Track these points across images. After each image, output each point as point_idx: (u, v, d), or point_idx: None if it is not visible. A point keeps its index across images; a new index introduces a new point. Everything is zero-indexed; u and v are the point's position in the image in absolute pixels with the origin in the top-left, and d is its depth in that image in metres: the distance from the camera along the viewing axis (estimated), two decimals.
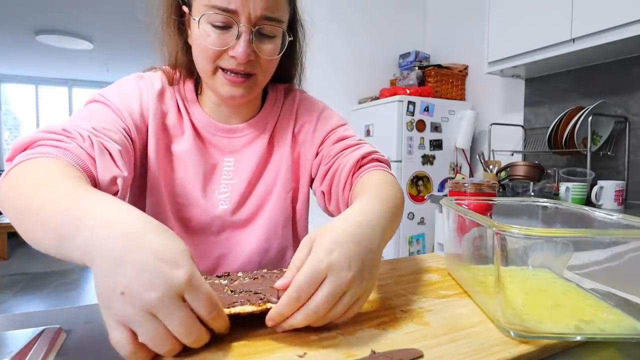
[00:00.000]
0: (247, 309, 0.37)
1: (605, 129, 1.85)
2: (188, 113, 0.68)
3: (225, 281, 0.49)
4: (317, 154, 0.74)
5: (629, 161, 1.83)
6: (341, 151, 0.71)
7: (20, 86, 6.76)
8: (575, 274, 0.49)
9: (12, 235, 4.08)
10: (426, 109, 2.38)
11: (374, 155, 0.69)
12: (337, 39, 2.67)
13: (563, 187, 1.69)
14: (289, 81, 0.77)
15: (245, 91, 0.62)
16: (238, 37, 0.57)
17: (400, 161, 2.33)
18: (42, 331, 0.41)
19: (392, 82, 2.82)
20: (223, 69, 0.60)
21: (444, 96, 2.56)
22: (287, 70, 0.74)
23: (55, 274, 3.29)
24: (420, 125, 2.38)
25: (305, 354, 0.35)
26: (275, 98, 0.75)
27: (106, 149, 0.52)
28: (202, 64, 0.62)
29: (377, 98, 2.57)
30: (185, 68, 0.67)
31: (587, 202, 1.66)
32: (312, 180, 0.76)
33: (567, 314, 0.42)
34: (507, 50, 1.99)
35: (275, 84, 0.75)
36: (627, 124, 1.81)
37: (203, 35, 0.58)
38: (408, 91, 2.37)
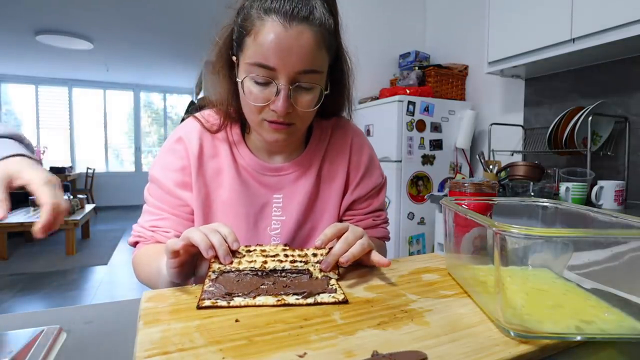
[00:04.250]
0: (269, 301, 0.46)
1: (605, 129, 1.85)
2: (234, 157, 0.74)
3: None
4: (350, 206, 0.80)
5: (629, 161, 1.83)
6: (366, 228, 0.79)
7: (20, 86, 6.76)
8: (575, 274, 0.49)
9: (12, 235, 4.08)
10: (426, 109, 2.38)
11: (385, 239, 0.84)
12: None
13: (563, 187, 1.69)
14: (336, 114, 0.80)
15: (287, 136, 0.67)
16: (277, 93, 0.61)
17: (400, 161, 2.33)
18: (42, 331, 0.41)
19: (392, 82, 2.82)
20: (267, 120, 0.65)
21: (444, 96, 2.56)
22: (335, 105, 0.77)
23: (55, 274, 3.29)
24: (420, 125, 2.38)
25: (305, 353, 0.35)
26: (321, 136, 0.79)
27: (166, 237, 0.70)
28: (248, 116, 0.68)
29: (377, 98, 2.56)
30: (235, 111, 0.73)
31: (587, 202, 1.66)
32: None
33: (567, 314, 0.42)
34: (507, 50, 1.99)
35: (321, 120, 0.79)
36: (627, 124, 1.81)
37: (247, 93, 0.63)
38: (408, 91, 2.37)
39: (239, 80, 0.64)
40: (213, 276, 0.51)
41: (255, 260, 0.54)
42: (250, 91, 0.62)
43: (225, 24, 0.67)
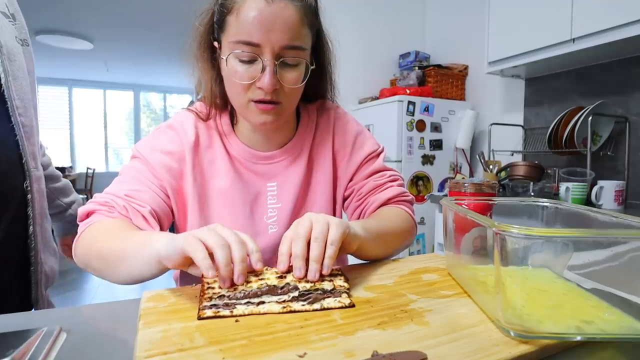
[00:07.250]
0: (274, 308, 0.44)
1: (605, 129, 1.85)
2: (226, 148, 0.73)
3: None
4: (351, 179, 0.80)
5: (629, 161, 1.83)
6: (371, 191, 0.78)
7: None
8: (576, 274, 0.49)
9: None
10: (426, 109, 2.38)
11: (399, 198, 0.78)
12: (337, 39, 2.67)
13: (563, 187, 1.69)
14: (321, 98, 0.80)
15: (275, 117, 0.66)
16: (263, 69, 0.61)
17: (400, 161, 2.33)
18: (42, 331, 0.41)
19: (392, 82, 2.82)
20: (254, 101, 0.64)
21: (444, 96, 2.56)
22: (318, 89, 0.77)
23: None
24: (420, 125, 2.38)
25: (305, 354, 0.35)
26: (308, 120, 0.79)
27: (139, 212, 0.64)
28: (234, 97, 0.67)
29: (377, 98, 2.56)
30: (220, 99, 0.72)
31: (587, 202, 1.66)
32: (344, 200, 0.82)
33: (567, 314, 0.42)
34: (507, 50, 1.99)
35: (306, 104, 0.79)
36: (627, 124, 1.81)
37: (232, 72, 0.62)
38: (408, 91, 2.37)
39: (223, 58, 0.63)
40: (209, 294, 0.45)
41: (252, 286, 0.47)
42: (235, 70, 0.62)
43: (205, 9, 0.66)
